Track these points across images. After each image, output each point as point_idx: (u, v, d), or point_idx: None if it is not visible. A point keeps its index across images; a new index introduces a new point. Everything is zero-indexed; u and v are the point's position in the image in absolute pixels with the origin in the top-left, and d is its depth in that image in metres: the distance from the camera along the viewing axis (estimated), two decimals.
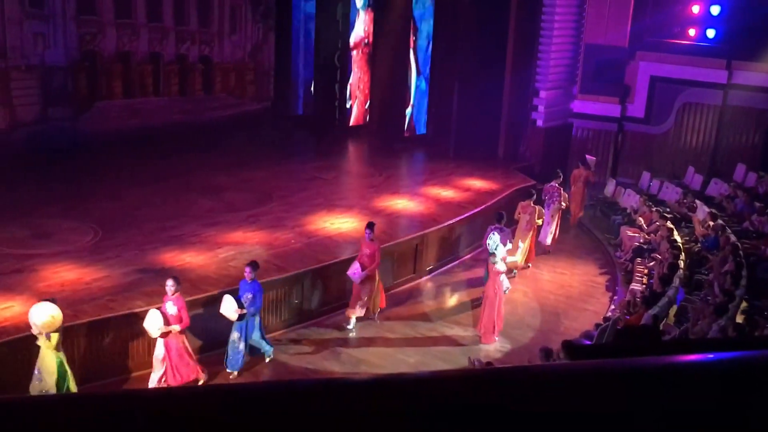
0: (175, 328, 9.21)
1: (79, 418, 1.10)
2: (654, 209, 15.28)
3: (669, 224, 14.36)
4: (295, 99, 20.97)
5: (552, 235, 14.96)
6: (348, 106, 20.19)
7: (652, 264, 13.25)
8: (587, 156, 16.87)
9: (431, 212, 14.54)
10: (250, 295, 9.81)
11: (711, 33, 17.77)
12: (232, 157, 17.12)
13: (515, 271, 13.65)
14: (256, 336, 10.14)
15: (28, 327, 9.00)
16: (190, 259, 11.52)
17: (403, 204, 14.88)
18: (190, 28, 18.65)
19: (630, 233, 14.91)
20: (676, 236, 13.92)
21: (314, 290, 11.73)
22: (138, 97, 17.96)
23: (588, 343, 10.21)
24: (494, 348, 11.37)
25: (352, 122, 20.33)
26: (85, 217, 12.85)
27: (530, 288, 13.65)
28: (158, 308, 9.25)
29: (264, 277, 10.94)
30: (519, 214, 13.96)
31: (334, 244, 12.60)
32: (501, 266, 11.35)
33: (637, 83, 18.38)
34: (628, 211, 16.36)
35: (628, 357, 1.41)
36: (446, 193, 15.64)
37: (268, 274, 11.14)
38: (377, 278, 11.60)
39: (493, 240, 11.38)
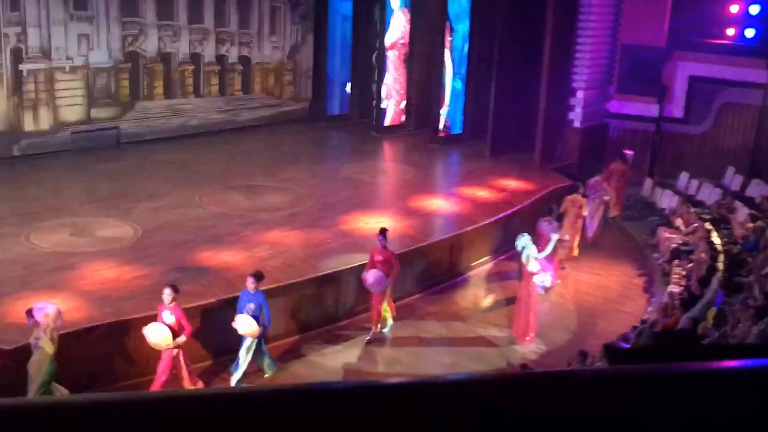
0: (181, 339, 9.04)
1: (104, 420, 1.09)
2: (692, 210, 15.14)
3: (707, 225, 14.20)
4: (332, 99, 21.11)
5: (594, 230, 15.24)
6: (384, 106, 20.22)
7: (690, 266, 13.04)
8: (625, 151, 16.79)
9: (467, 212, 14.48)
10: (252, 305, 9.51)
11: (750, 32, 17.56)
12: (270, 157, 17.29)
13: (564, 265, 14.03)
14: (263, 346, 9.85)
15: (70, 325, 9.18)
16: (228, 258, 11.61)
17: (438, 204, 14.82)
18: (230, 30, 18.86)
19: (667, 234, 14.75)
20: (715, 238, 13.73)
21: (349, 289, 11.74)
22: (178, 97, 18.23)
23: (625, 345, 10.13)
24: (530, 349, 11.33)
25: (388, 122, 20.36)
26: (125, 216, 13.03)
27: (567, 289, 13.54)
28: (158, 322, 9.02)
29: (298, 277, 11.17)
30: (567, 207, 14.13)
31: (370, 244, 12.43)
32: (534, 266, 11.26)
33: (675, 83, 18.23)
34: (666, 212, 16.21)
35: (668, 361, 1.42)
36: (482, 193, 15.56)
37: (305, 274, 11.25)
38: (390, 290, 11.14)
39: (522, 241, 11.36)
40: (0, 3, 15.11)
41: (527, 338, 11.45)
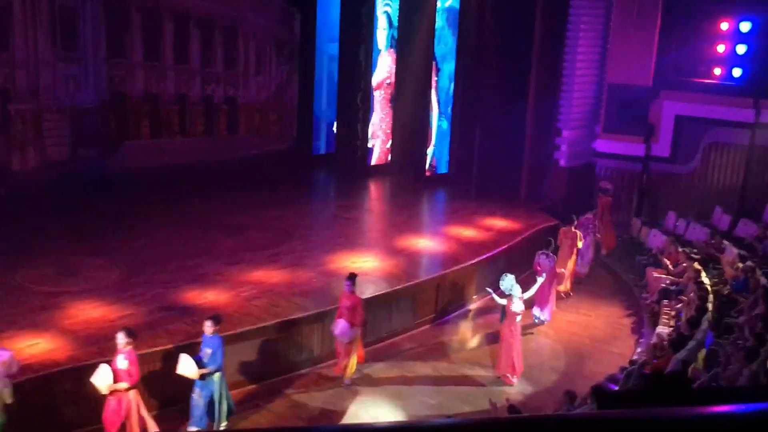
0: (122, 386, 8.71)
1: None
2: (680, 250, 15.11)
3: (696, 265, 14.15)
4: (317, 139, 21.24)
5: (586, 266, 15.46)
6: (370, 145, 20.38)
7: (679, 306, 13.04)
8: (602, 184, 16.89)
9: (453, 252, 14.53)
10: (209, 351, 9.24)
11: (737, 72, 17.64)
12: (255, 196, 17.33)
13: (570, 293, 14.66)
14: (216, 395, 9.38)
15: (54, 364, 9.24)
16: (213, 297, 11.64)
17: (424, 243, 14.88)
18: (216, 70, 19.10)
19: (656, 274, 14.75)
20: (704, 278, 13.70)
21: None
22: (165, 137, 18.40)
23: (614, 387, 10.26)
24: (515, 390, 11.25)
25: (374, 161, 20.49)
26: (111, 255, 13.02)
27: (554, 329, 13.52)
28: (108, 362, 8.78)
29: (284, 316, 11.13)
30: (561, 240, 14.46)
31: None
32: (518, 306, 11.35)
33: (662, 122, 18.27)
34: (654, 251, 16.15)
35: (658, 405, 1.37)
36: (468, 232, 15.63)
37: (289, 313, 11.25)
38: (359, 335, 10.96)
39: (508, 280, 11.49)
40: None
41: (512, 378, 11.40)
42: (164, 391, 9.84)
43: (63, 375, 9.26)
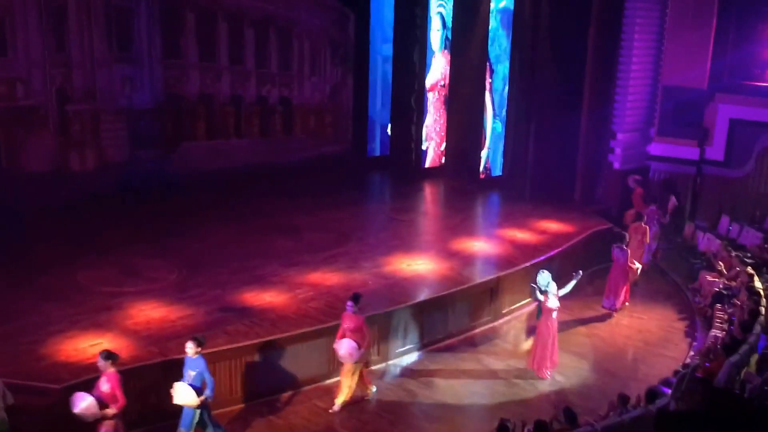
0: (109, 411, 8.36)
1: None
2: (734, 254, 15.03)
3: (749, 270, 14.11)
4: (372, 141, 21.36)
5: (650, 256, 16.05)
6: (424, 147, 20.45)
7: (732, 310, 13.00)
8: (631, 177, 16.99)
9: (507, 254, 14.58)
10: (192, 373, 8.90)
11: None
12: (311, 198, 17.50)
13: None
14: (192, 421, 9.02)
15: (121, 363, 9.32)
16: (270, 298, 11.85)
17: (479, 246, 14.94)
18: (271, 71, 19.25)
19: (709, 278, 14.66)
20: (757, 282, 13.61)
21: (392, 331, 11.87)
22: (220, 138, 18.61)
23: (666, 390, 10.14)
24: (548, 383, 11.50)
25: (428, 164, 20.56)
26: (171, 256, 13.30)
27: (607, 332, 13.54)
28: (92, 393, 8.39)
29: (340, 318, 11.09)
30: (631, 235, 14.89)
31: (411, 286, 12.76)
32: (554, 302, 11.56)
33: (716, 126, 18.11)
34: (707, 255, 16.08)
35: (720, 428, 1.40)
36: (522, 235, 15.65)
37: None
38: (365, 358, 10.72)
39: (544, 277, 11.70)
40: (45, 44, 15.61)
41: (548, 372, 11.68)
42: None
43: (125, 374, 9.24)
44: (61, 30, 15.58)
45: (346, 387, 10.39)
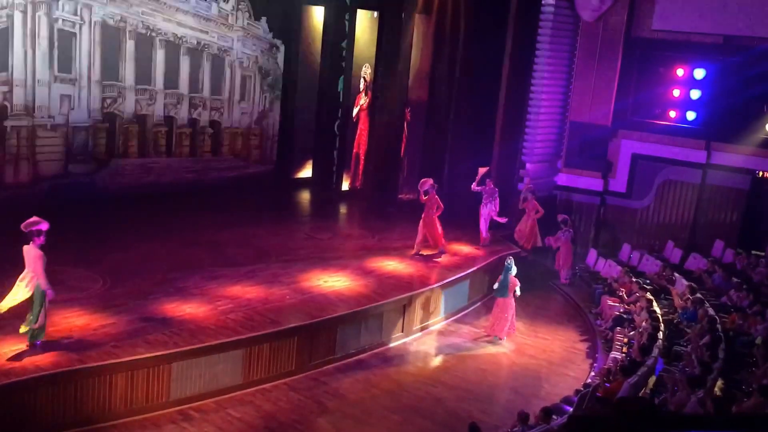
0: None
1: None
2: (634, 280, 15.52)
3: (648, 295, 14.58)
4: (295, 163, 21.72)
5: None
6: (345, 171, 20.98)
7: (632, 333, 13.42)
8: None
9: (420, 274, 14.97)
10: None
11: (691, 115, 18.25)
12: (235, 215, 17.67)
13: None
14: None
15: (37, 369, 9.55)
16: (191, 310, 11.95)
17: (393, 265, 15.24)
18: (203, 95, 19.61)
19: (610, 303, 15.17)
20: (656, 307, 14.15)
21: (308, 344, 12.24)
22: (152, 156, 18.77)
23: (568, 408, 10.52)
24: (454, 399, 11.84)
25: (348, 187, 21.08)
26: (96, 266, 13.27)
27: (513, 351, 14.00)
28: None
29: (259, 330, 11.59)
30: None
31: (327, 301, 13.04)
32: (516, 281, 14.14)
33: (619, 160, 18.87)
34: (609, 281, 16.57)
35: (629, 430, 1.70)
36: (431, 256, 15.95)
37: (263, 328, 11.68)
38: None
39: (510, 262, 14.17)
40: None
41: (503, 334, 14.16)
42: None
43: (44, 380, 9.60)
44: (5, 51, 15.77)
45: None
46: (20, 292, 10.14)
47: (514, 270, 14.19)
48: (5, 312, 10.38)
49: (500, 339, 14.31)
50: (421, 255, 15.97)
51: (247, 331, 11.50)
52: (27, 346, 10.24)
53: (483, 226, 16.76)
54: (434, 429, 10.97)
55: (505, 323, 14.30)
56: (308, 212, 20.39)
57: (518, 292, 14.24)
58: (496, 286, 14.37)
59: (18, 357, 10.00)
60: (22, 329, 10.26)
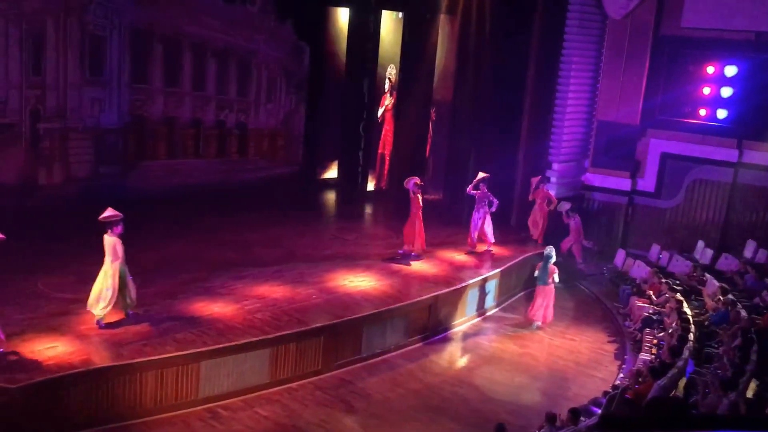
0: None
1: None
2: (663, 281, 15.38)
3: (678, 296, 14.44)
4: (321, 164, 21.87)
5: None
6: (370, 172, 21.06)
7: (661, 335, 13.32)
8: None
9: (446, 274, 14.95)
10: None
11: (722, 113, 18.09)
12: (262, 216, 17.81)
13: None
14: None
15: (70, 366, 9.73)
16: (219, 309, 12.07)
17: (419, 265, 15.23)
18: (230, 97, 19.83)
19: (639, 304, 15.07)
20: (686, 308, 14.01)
21: (334, 344, 12.26)
22: (180, 158, 19.04)
23: (596, 410, 10.46)
24: (479, 400, 11.82)
25: (373, 187, 21.17)
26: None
27: (539, 352, 13.92)
28: None
29: (285, 329, 11.70)
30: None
31: (352, 301, 13.09)
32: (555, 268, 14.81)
33: (648, 159, 18.73)
34: (638, 281, 16.45)
35: (662, 429, 1.65)
36: (460, 257, 15.97)
37: (290, 327, 11.75)
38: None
39: (551, 249, 14.70)
40: (23, 67, 16.13)
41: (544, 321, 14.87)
42: None
43: (78, 377, 9.77)
44: (39, 55, 16.10)
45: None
46: (107, 280, 10.98)
47: (553, 258, 14.71)
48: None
49: (537, 324, 14.92)
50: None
51: (274, 330, 11.59)
52: (125, 316, 11.43)
53: (473, 230, 16.30)
54: (460, 429, 10.94)
55: (545, 310, 14.91)
56: (334, 212, 20.47)
57: (557, 279, 14.84)
58: (536, 274, 15.00)
59: (52, 354, 10.16)
60: (120, 312, 11.36)
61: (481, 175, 16.24)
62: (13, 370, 9.68)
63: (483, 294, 15.32)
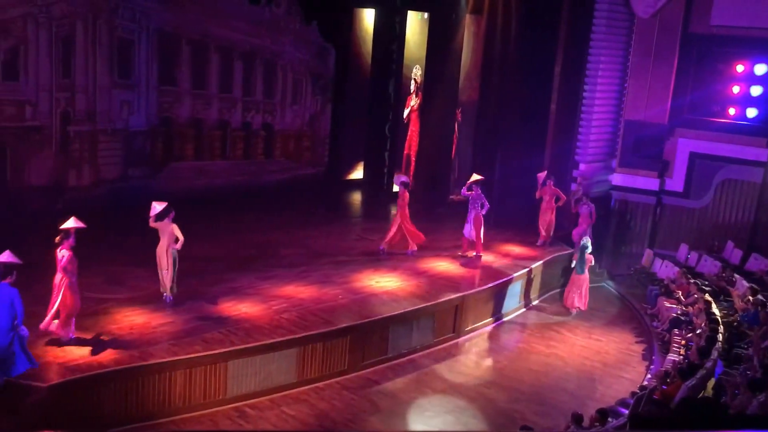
0: None
1: None
2: (692, 281, 15.28)
3: (707, 297, 14.33)
4: (347, 165, 21.95)
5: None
6: (396, 172, 20.91)
7: (689, 335, 13.26)
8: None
9: (472, 275, 14.96)
10: None
11: (752, 112, 17.90)
12: (288, 217, 17.95)
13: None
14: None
15: (99, 366, 9.88)
16: (246, 309, 12.20)
17: (445, 266, 15.25)
18: (256, 99, 19.96)
19: (667, 304, 15.00)
20: (715, 309, 13.89)
21: (360, 344, 12.30)
22: (207, 159, 19.22)
23: (624, 411, 10.43)
24: (505, 401, 11.82)
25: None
26: (154, 267, 13.15)
27: (566, 353, 13.89)
28: None
29: (312, 329, 11.80)
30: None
31: (379, 301, 13.13)
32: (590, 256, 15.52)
33: (676, 159, 18.57)
34: (666, 282, 16.36)
35: (692, 429, 1.69)
36: (486, 257, 15.92)
37: (316, 327, 11.85)
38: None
39: (587, 239, 15.28)
40: (53, 71, 16.35)
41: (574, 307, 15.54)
42: None
43: (109, 376, 9.93)
44: (68, 58, 16.34)
45: None
46: (169, 263, 12.13)
47: (589, 248, 15.30)
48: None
49: (572, 311, 15.63)
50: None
51: (301, 330, 11.67)
52: (165, 297, 12.25)
53: (467, 231, 16.09)
54: (486, 430, 10.92)
55: (580, 298, 15.54)
56: (360, 213, 20.50)
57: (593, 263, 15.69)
58: (573, 264, 15.77)
59: (83, 354, 10.31)
60: (168, 292, 12.28)
61: (475, 176, 16.08)
62: (44, 369, 9.81)
63: (509, 295, 15.27)
